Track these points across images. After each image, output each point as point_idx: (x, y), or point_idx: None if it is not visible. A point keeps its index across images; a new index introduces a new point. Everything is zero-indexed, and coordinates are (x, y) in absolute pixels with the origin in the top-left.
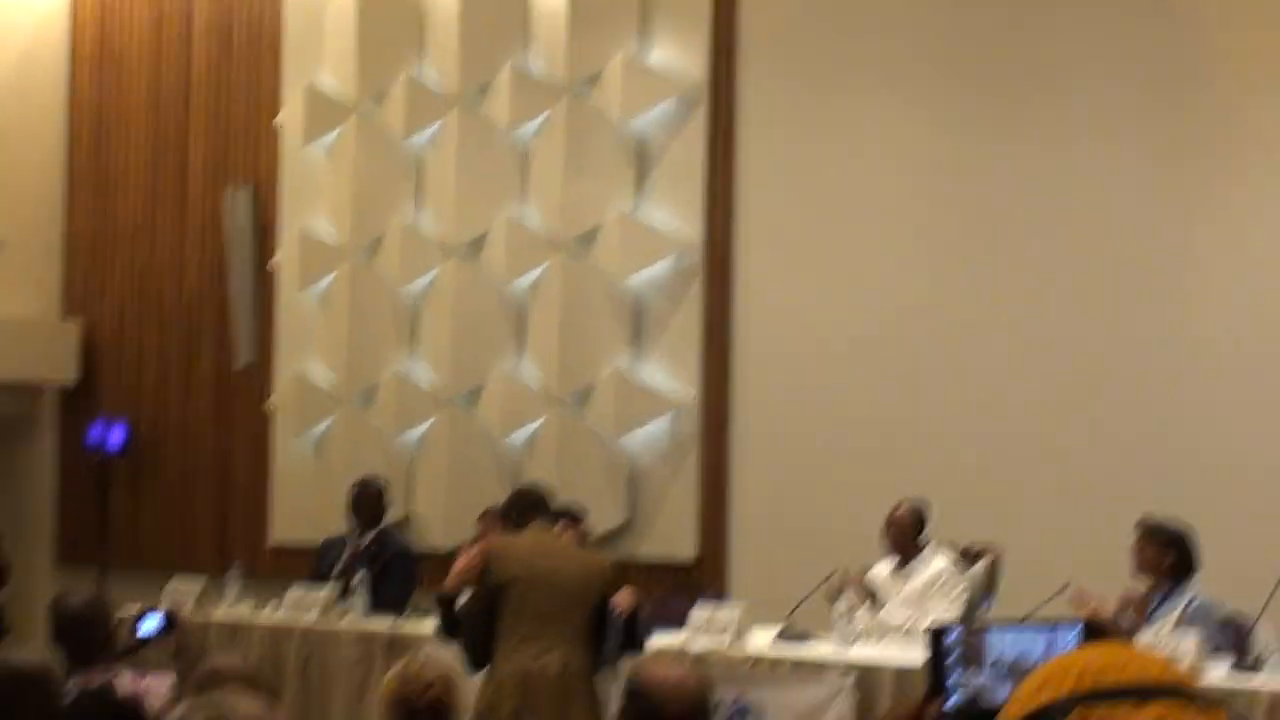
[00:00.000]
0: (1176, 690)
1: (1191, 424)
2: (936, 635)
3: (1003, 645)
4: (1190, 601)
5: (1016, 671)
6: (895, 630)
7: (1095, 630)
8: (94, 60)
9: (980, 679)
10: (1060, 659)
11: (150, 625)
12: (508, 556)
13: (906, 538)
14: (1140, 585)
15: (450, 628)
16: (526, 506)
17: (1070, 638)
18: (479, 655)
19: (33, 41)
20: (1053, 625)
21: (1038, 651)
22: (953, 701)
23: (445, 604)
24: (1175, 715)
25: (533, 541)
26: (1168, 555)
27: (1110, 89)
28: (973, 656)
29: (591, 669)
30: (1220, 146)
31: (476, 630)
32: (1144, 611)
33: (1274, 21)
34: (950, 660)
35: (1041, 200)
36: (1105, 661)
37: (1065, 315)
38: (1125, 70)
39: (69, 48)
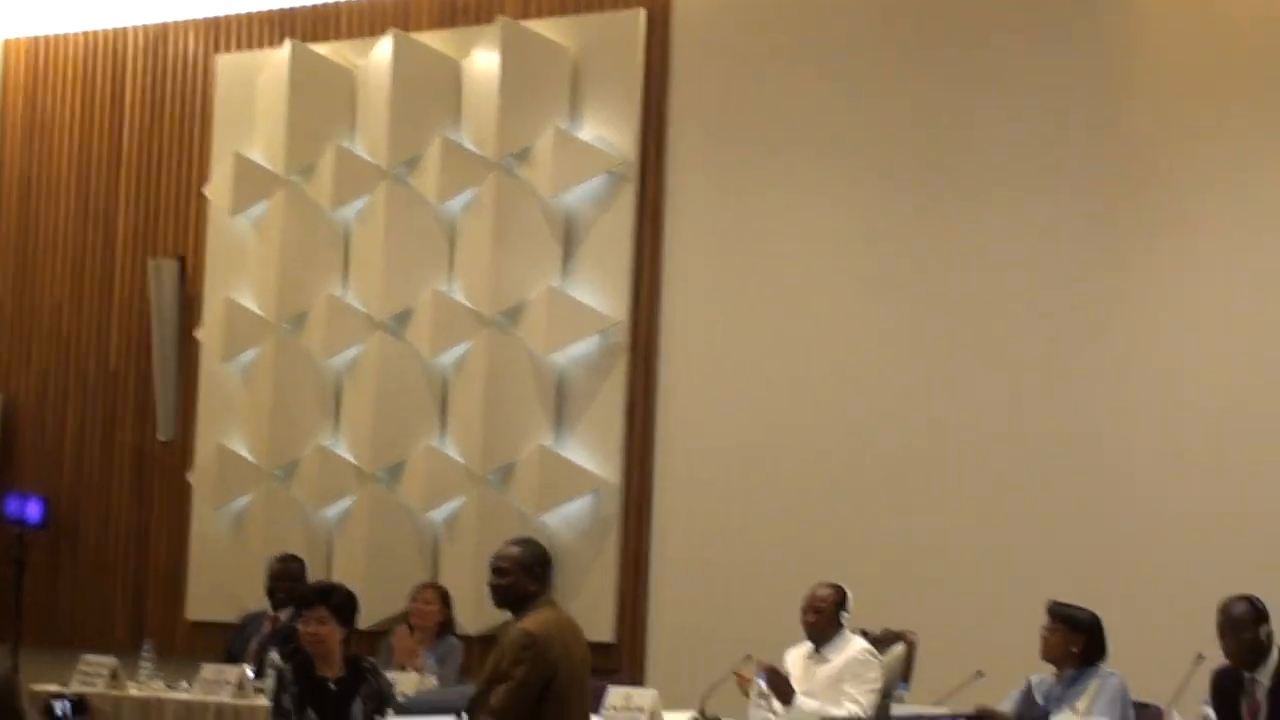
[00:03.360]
0: None
1: (1111, 517)
2: None
3: None
4: (1101, 687)
5: None
6: (810, 716)
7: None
8: (23, 128)
9: None
10: None
11: (60, 708)
12: (553, 643)
13: (827, 620)
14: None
15: None
16: (547, 567)
17: None
18: None
19: None
20: (950, 716)
21: None
22: None
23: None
24: None
25: (557, 618)
26: (1075, 641)
27: (1042, 186)
28: None
29: None
30: (1161, 237)
31: None
32: None
33: (1202, 77)
34: None
35: (973, 289)
36: None
37: (987, 409)
38: (1058, 163)
39: None
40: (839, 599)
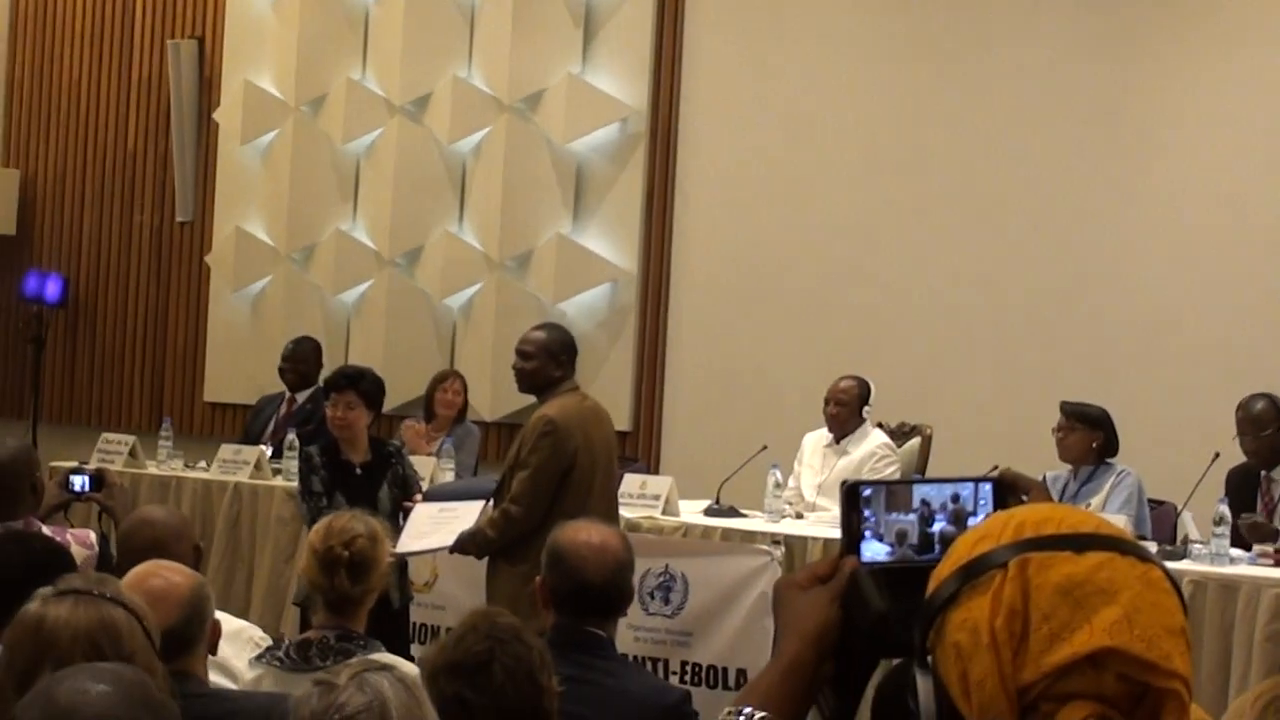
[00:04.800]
0: (1114, 542)
1: (1125, 317)
2: (852, 490)
3: (926, 493)
4: (1116, 484)
5: (943, 514)
6: (827, 510)
7: (1009, 485)
8: None
9: (904, 523)
10: (997, 515)
11: (79, 482)
12: (572, 429)
13: (850, 412)
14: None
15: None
16: (572, 353)
17: (987, 490)
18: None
19: None
20: (975, 479)
21: (964, 498)
22: (871, 556)
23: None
24: (1113, 564)
25: (579, 404)
26: (1094, 437)
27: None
28: (896, 505)
29: None
30: (1174, 49)
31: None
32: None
33: None
34: (868, 516)
35: (992, 94)
36: (1044, 515)
37: (1007, 203)
38: None
39: None
40: (863, 392)
